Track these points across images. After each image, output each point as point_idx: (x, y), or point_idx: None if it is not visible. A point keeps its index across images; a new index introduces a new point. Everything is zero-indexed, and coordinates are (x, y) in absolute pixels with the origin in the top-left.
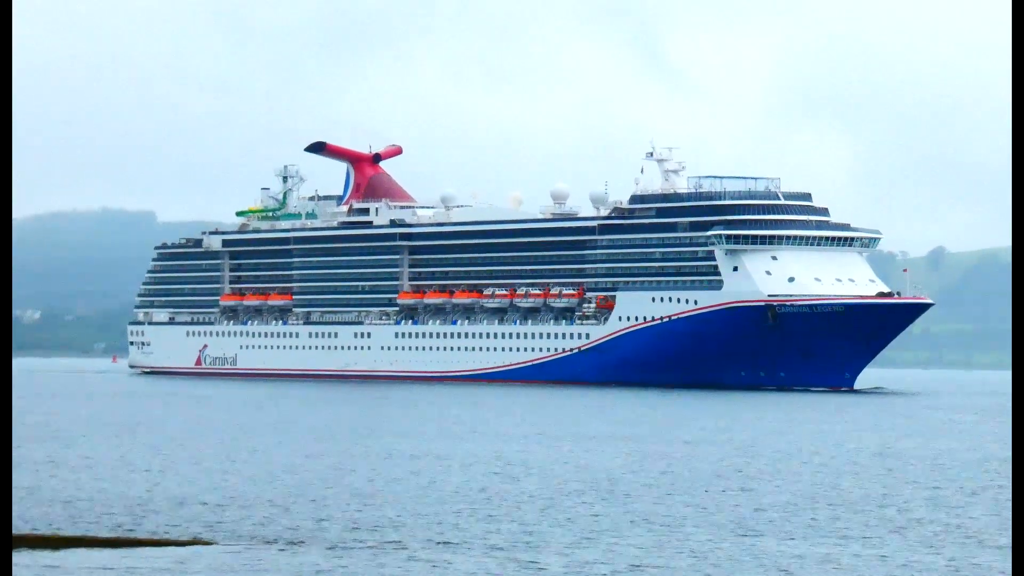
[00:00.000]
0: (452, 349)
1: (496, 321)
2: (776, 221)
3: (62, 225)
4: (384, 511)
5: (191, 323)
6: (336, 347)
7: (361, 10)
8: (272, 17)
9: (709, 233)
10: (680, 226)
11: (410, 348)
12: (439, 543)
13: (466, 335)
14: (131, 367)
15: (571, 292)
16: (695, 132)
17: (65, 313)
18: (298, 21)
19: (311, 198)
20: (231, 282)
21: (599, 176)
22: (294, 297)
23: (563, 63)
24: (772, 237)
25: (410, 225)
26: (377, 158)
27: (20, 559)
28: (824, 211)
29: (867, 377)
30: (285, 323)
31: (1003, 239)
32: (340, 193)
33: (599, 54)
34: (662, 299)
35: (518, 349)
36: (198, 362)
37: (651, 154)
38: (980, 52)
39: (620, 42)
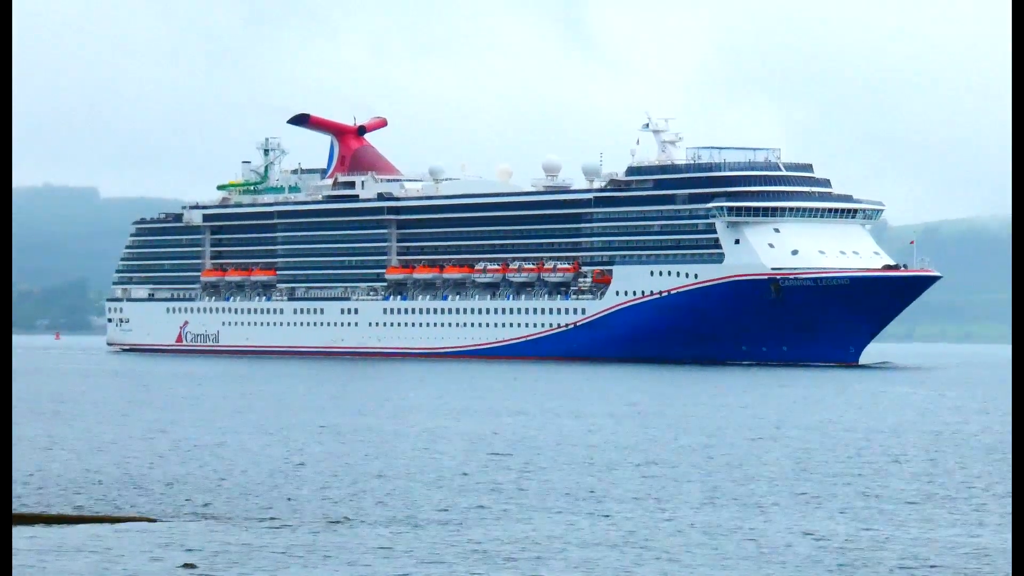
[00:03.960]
0: (443, 325)
1: (488, 296)
2: (778, 192)
3: None
4: (316, 488)
5: (171, 299)
6: (322, 323)
7: None
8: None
9: (710, 205)
10: (679, 198)
11: (399, 324)
12: (386, 519)
13: (457, 311)
14: (109, 344)
15: (566, 266)
16: (629, 107)
17: None
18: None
19: (294, 171)
20: (212, 257)
21: (543, 151)
22: (278, 273)
23: (493, 38)
24: (774, 209)
25: (398, 198)
26: (362, 130)
27: None
28: (826, 182)
29: (874, 351)
30: (269, 299)
31: (943, 212)
32: (324, 166)
33: (529, 29)
34: (661, 273)
35: (511, 325)
36: (179, 339)
37: (647, 125)
38: (915, 26)
39: (549, 17)
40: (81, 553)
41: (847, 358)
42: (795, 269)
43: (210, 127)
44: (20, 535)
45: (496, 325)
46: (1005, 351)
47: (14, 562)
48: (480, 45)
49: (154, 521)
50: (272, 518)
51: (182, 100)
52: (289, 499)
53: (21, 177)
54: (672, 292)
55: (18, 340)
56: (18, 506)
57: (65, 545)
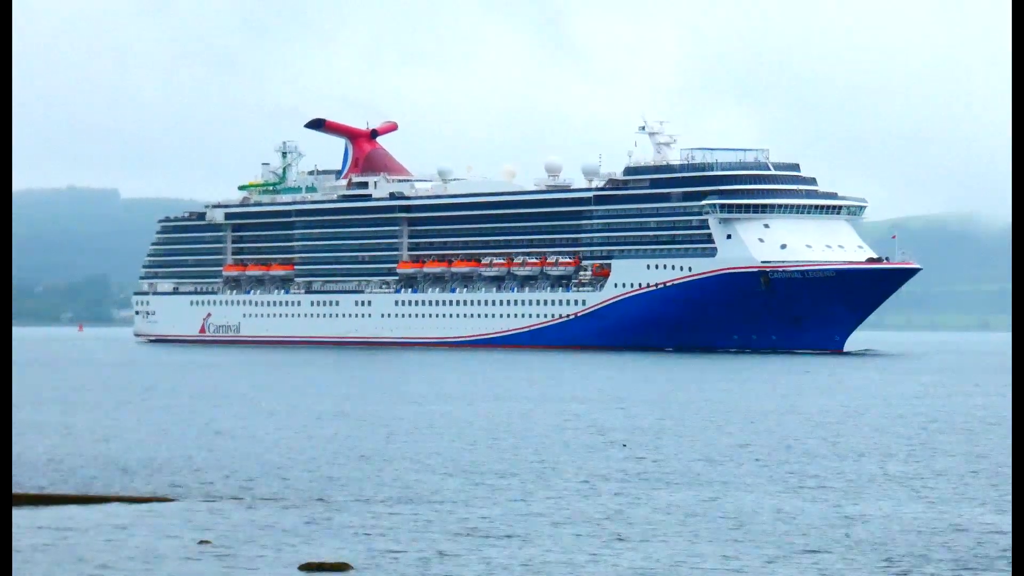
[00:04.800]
0: (451, 316)
1: (494, 289)
2: (767, 191)
3: (31, 202)
4: (324, 469)
5: (195, 292)
6: (337, 315)
7: None
8: (201, 2)
9: (703, 203)
10: (673, 196)
11: (410, 315)
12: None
13: (465, 302)
14: (136, 335)
15: (567, 260)
16: (611, 111)
17: (34, 285)
18: (229, 6)
19: (310, 172)
20: (233, 253)
21: (528, 152)
22: (296, 267)
23: (489, 50)
24: (764, 206)
25: (409, 197)
26: (374, 134)
27: None
28: (812, 180)
29: (857, 339)
30: (287, 292)
31: (907, 209)
32: (338, 168)
33: (521, 42)
34: (657, 266)
35: (516, 315)
36: (202, 330)
37: (643, 128)
38: (884, 28)
39: (538, 31)
40: (101, 531)
41: (832, 346)
42: (783, 262)
43: (220, 131)
44: (40, 515)
45: (502, 316)
46: (973, 338)
47: (35, 541)
48: (476, 57)
49: (171, 501)
50: (282, 498)
51: (195, 107)
52: (299, 480)
53: (47, 179)
54: (667, 284)
55: (44, 332)
56: (39, 487)
57: (85, 524)
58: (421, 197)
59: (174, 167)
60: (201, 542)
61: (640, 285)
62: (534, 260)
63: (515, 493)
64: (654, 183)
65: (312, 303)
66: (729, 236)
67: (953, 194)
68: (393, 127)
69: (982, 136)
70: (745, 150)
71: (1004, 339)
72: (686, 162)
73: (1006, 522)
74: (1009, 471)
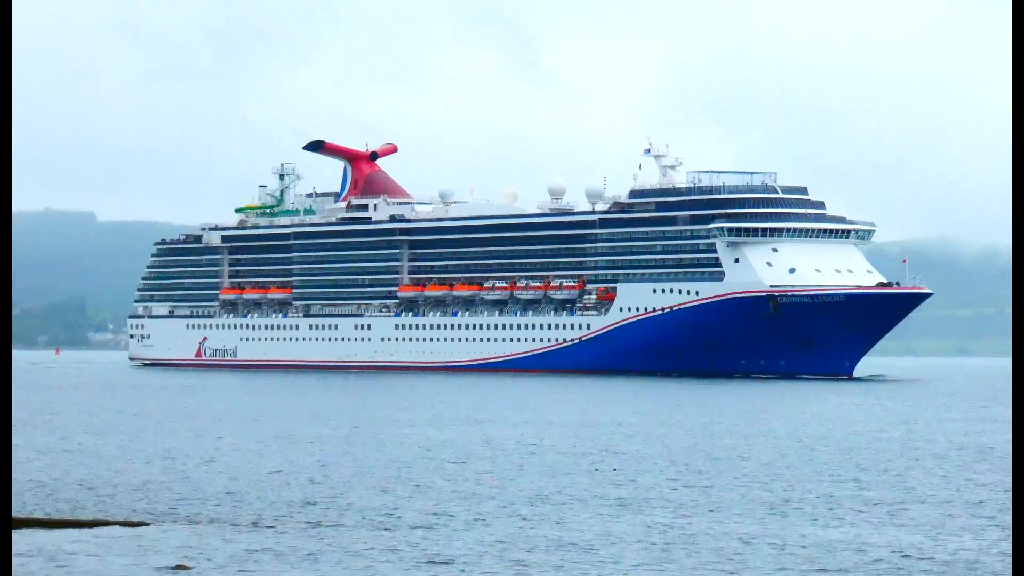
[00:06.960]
0: (453, 340)
1: (496, 313)
2: (775, 214)
3: None
4: (291, 491)
5: (191, 316)
6: (336, 339)
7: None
8: (170, 22)
9: (711, 226)
10: (680, 219)
11: (411, 339)
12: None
13: (467, 326)
14: (131, 359)
15: (571, 284)
16: (580, 138)
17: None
18: (199, 25)
19: (309, 195)
20: (230, 276)
21: (507, 179)
22: (294, 291)
23: (449, 70)
24: (772, 230)
25: (409, 220)
26: (374, 156)
27: None
28: (820, 204)
29: (867, 365)
30: (285, 316)
31: (888, 234)
32: (337, 190)
33: (482, 62)
34: (663, 290)
35: (519, 339)
36: (198, 354)
37: (648, 150)
38: (861, 52)
39: (502, 51)
40: (75, 556)
41: (842, 371)
42: (792, 287)
43: (198, 154)
44: (14, 539)
45: (504, 340)
46: (965, 363)
47: (13, 566)
48: (453, 80)
49: (147, 525)
50: (260, 523)
51: (171, 129)
52: (277, 505)
53: (24, 202)
54: (674, 308)
55: (20, 355)
56: (16, 512)
57: (59, 548)
58: (422, 220)
59: (151, 190)
60: (177, 567)
61: (646, 309)
62: (537, 284)
63: (485, 519)
64: (660, 206)
65: (310, 327)
66: (737, 260)
67: (929, 219)
68: (393, 149)
69: (959, 161)
70: (752, 173)
71: (988, 364)
72: (692, 185)
73: None
74: None
